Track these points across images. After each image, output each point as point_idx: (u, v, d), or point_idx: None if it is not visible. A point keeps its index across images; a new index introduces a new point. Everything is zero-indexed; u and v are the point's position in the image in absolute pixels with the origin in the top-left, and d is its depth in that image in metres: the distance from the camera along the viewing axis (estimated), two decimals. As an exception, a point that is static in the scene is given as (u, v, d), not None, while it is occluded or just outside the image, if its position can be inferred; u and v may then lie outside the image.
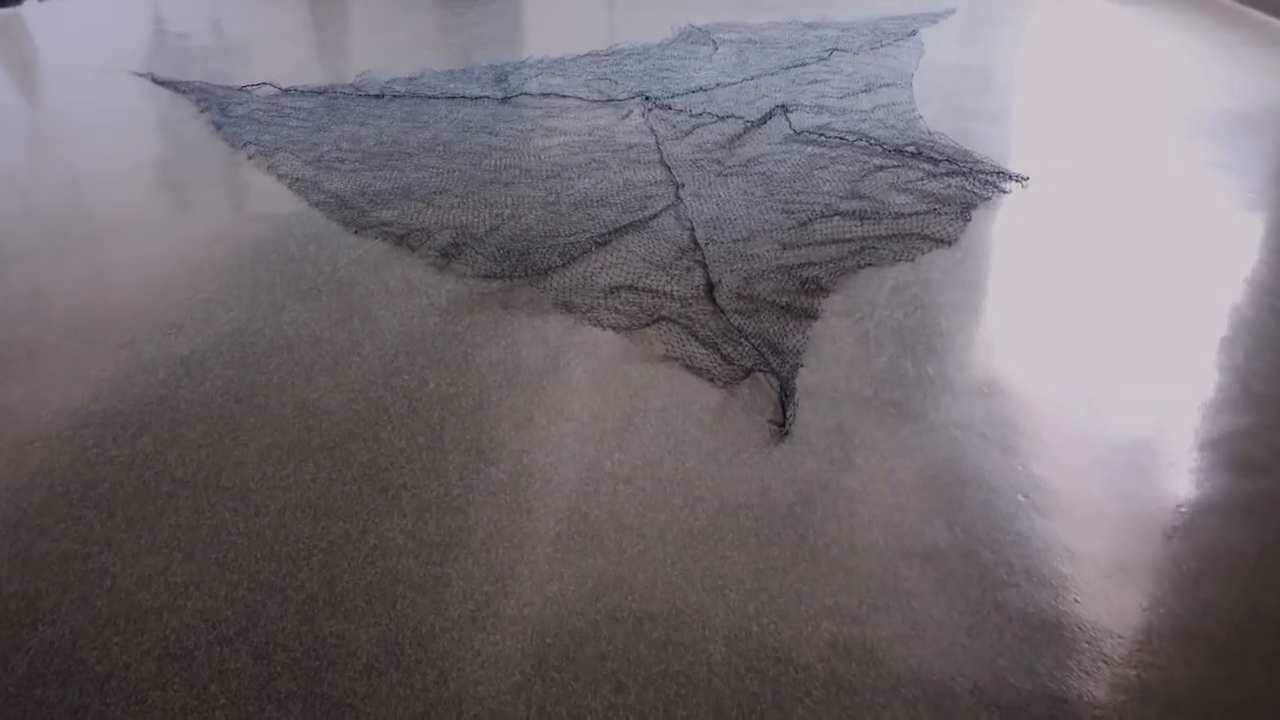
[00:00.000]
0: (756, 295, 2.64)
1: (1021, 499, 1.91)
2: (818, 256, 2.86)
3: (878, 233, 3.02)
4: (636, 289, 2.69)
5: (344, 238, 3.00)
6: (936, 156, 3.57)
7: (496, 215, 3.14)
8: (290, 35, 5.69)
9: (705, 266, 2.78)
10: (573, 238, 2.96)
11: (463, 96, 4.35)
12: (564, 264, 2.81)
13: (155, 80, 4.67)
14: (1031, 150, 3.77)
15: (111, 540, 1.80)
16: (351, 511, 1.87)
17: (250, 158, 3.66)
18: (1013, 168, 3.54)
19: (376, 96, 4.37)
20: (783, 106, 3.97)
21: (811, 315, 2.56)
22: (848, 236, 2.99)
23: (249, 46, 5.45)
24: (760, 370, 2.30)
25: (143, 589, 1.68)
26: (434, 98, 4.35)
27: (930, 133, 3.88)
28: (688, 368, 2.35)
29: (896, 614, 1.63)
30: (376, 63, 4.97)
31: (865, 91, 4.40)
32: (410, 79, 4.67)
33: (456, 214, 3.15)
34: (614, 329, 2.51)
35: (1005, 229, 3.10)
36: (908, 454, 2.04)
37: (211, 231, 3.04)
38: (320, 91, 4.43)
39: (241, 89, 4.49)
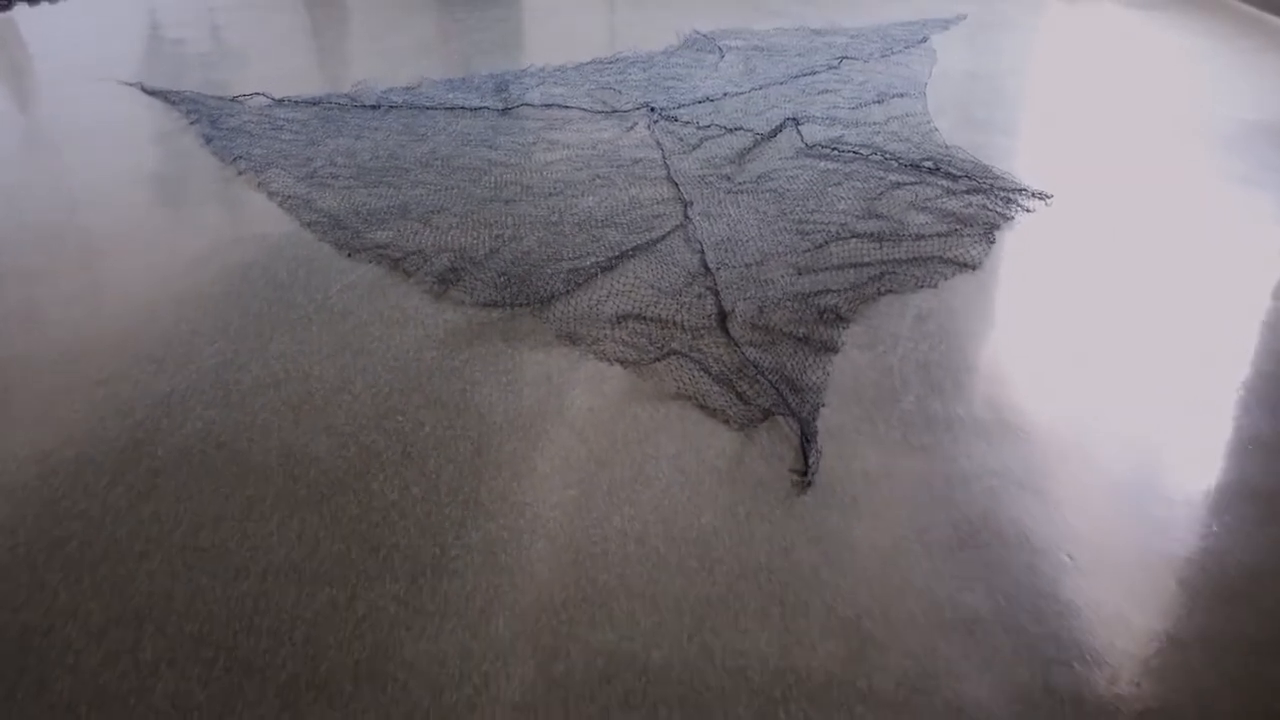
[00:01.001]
0: (772, 326, 2.47)
1: (1067, 559, 1.75)
2: (835, 282, 2.69)
3: (897, 256, 2.85)
4: (644, 318, 2.51)
5: (337, 261, 2.83)
6: (955, 172, 3.40)
7: (496, 236, 2.96)
8: (289, 40, 5.53)
9: (717, 294, 2.61)
10: (577, 262, 2.79)
11: (462, 107, 4.17)
12: (567, 291, 2.63)
13: (145, 90, 4.47)
14: (1051, 165, 3.60)
15: (78, 610, 1.64)
16: (339, 575, 1.70)
17: (241, 173, 3.49)
18: (1032, 183, 3.39)
19: (373, 107, 4.20)
20: (793, 119, 3.80)
21: (831, 348, 2.39)
22: (866, 260, 2.81)
23: (246, 52, 5.29)
24: (779, 413, 2.11)
25: (108, 668, 1.51)
26: (432, 108, 4.18)
27: (947, 146, 3.70)
28: (701, 407, 2.18)
29: (938, 699, 1.47)
30: (375, 69, 4.81)
31: (878, 102, 4.23)
32: (408, 89, 4.49)
33: (455, 235, 2.98)
34: (621, 363, 2.33)
35: (1031, 251, 2.93)
36: (942, 507, 1.87)
37: (198, 255, 2.86)
38: (315, 102, 4.26)
39: (233, 99, 4.32)
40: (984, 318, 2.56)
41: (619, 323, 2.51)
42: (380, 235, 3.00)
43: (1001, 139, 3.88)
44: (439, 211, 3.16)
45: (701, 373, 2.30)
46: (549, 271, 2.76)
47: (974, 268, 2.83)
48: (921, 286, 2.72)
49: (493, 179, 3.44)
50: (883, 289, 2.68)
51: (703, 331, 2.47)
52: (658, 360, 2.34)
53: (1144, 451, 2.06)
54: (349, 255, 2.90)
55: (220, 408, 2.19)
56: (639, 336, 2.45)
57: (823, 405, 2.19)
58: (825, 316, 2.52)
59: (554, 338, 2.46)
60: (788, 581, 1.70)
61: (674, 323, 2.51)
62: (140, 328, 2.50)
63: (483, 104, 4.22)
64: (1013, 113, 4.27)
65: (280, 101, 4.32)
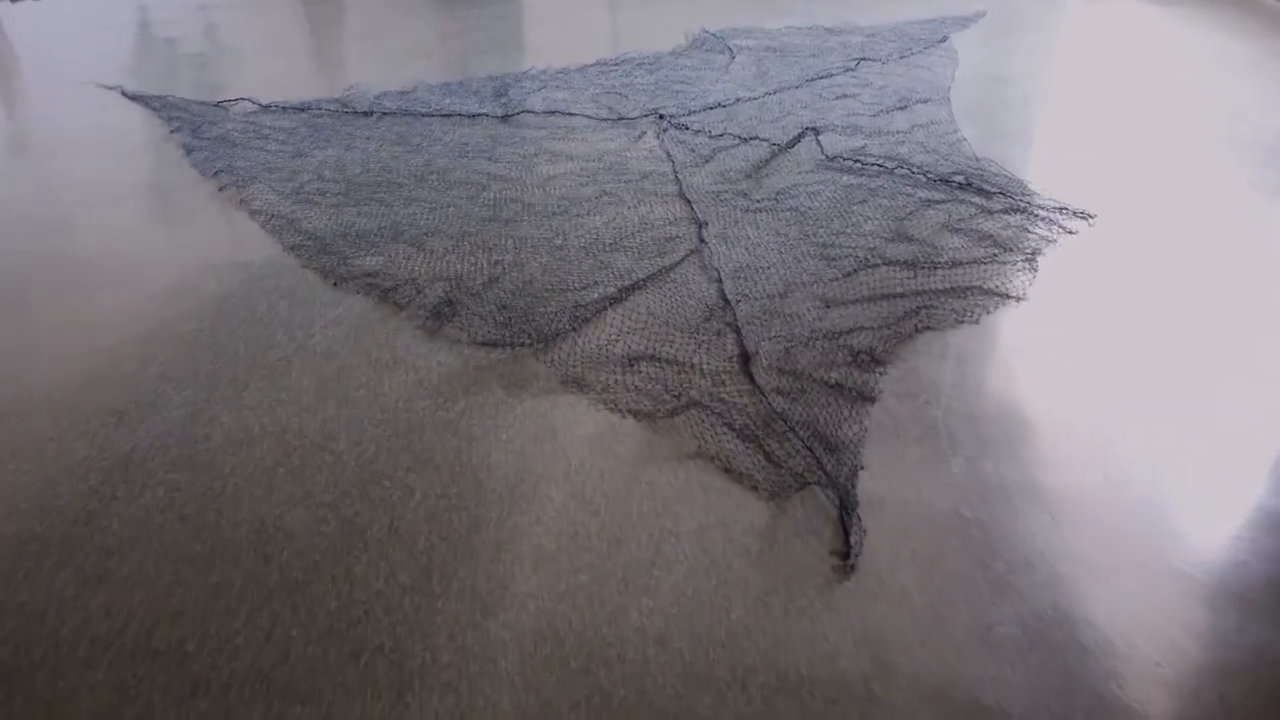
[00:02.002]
0: (800, 370, 2.20)
1: (1159, 667, 1.46)
2: (868, 318, 2.42)
3: (933, 286, 2.57)
4: (659, 360, 2.24)
5: (321, 292, 2.55)
6: (989, 188, 3.13)
7: (496, 263, 2.69)
8: (283, 40, 5.25)
9: (738, 331, 2.34)
10: (583, 293, 2.52)
11: (459, 114, 3.88)
12: (573, 328, 2.36)
13: (125, 94, 4.17)
14: (1085, 178, 3.34)
15: (4, 739, 1.36)
16: (314, 688, 1.44)
17: (221, 189, 3.21)
18: (1068, 199, 3.10)
19: (365, 114, 3.91)
20: (813, 128, 3.50)
21: (868, 397, 2.11)
22: (899, 290, 2.54)
23: (240, 53, 5.02)
24: (816, 484, 1.84)
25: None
26: (428, 115, 3.89)
27: (977, 158, 3.42)
28: (726, 470, 1.90)
29: None
30: (369, 71, 4.53)
31: (900, 108, 3.95)
32: (403, 93, 4.21)
33: (450, 261, 2.71)
34: (635, 415, 2.07)
35: (1077, 280, 2.67)
36: (1006, 598, 1.60)
37: (171, 286, 2.59)
38: (303, 108, 3.97)
39: (218, 105, 4.02)
40: (1034, 360, 2.31)
41: (631, 365, 2.24)
42: (369, 261, 2.72)
43: (1031, 150, 3.62)
44: (434, 233, 2.88)
45: (724, 427, 2.03)
46: (553, 305, 2.49)
47: (1018, 300, 2.54)
48: (962, 322, 2.45)
49: (492, 195, 3.16)
50: (920, 325, 2.41)
51: (724, 376, 2.19)
52: (675, 414, 2.05)
53: (1232, 529, 1.80)
54: (335, 285, 2.62)
55: (187, 469, 1.91)
56: (653, 382, 2.18)
57: (861, 468, 1.90)
58: (859, 359, 2.25)
59: (559, 384, 2.18)
60: (834, 698, 1.44)
61: (691, 365, 2.24)
62: (103, 372, 2.23)
63: (481, 110, 3.94)
64: (1040, 120, 3.99)
65: (267, 107, 4.04)
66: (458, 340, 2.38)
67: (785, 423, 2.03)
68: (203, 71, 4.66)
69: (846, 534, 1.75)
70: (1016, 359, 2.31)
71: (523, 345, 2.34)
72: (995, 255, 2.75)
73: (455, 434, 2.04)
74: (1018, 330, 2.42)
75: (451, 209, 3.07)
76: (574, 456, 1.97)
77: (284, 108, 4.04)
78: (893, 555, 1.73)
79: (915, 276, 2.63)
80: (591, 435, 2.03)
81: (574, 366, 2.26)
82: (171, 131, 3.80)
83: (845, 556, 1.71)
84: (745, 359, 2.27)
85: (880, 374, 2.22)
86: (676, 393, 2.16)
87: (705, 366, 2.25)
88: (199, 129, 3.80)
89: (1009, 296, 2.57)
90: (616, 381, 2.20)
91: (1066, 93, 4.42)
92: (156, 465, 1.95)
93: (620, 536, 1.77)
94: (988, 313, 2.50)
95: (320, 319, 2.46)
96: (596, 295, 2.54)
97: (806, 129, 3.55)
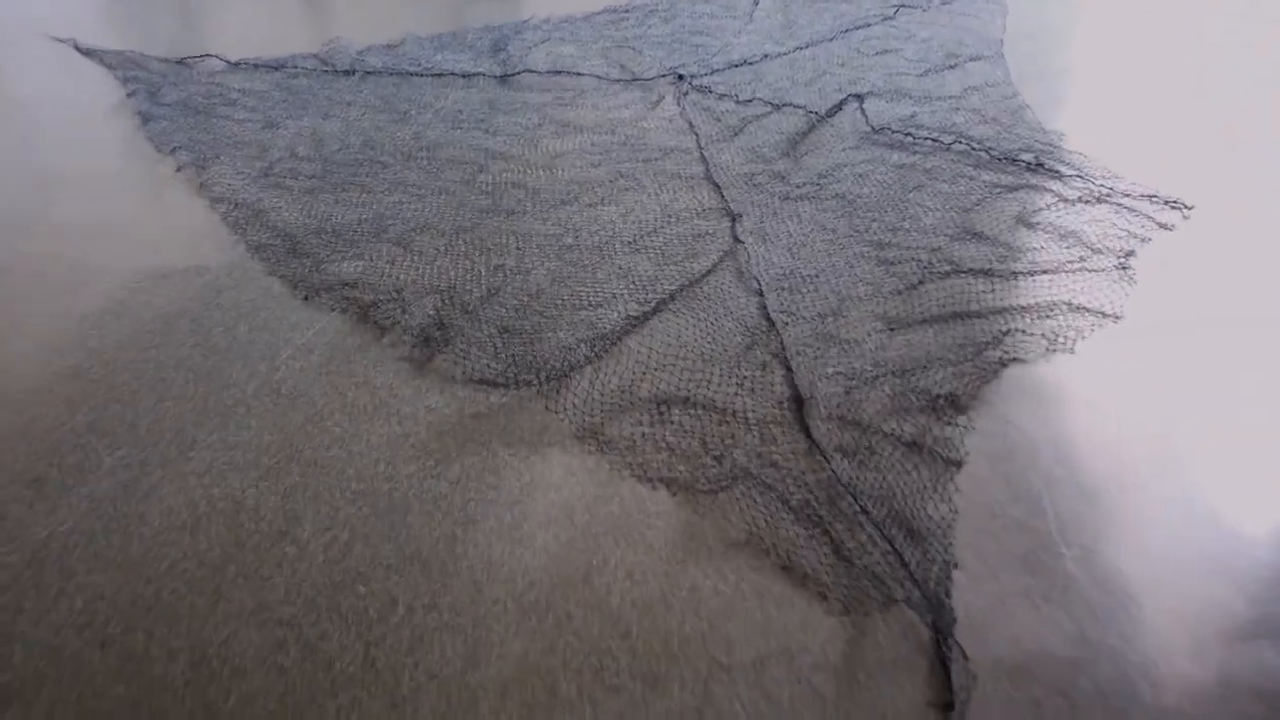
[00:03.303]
0: (866, 420, 1.77)
1: None
2: (941, 346, 2.00)
3: (1015, 301, 2.11)
4: (694, 405, 1.81)
5: (289, 309, 2.10)
6: (1063, 170, 2.63)
7: (496, 268, 2.23)
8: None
9: (788, 365, 1.88)
10: (600, 311, 2.09)
11: (453, 73, 3.35)
12: (589, 360, 1.90)
13: (79, 49, 3.63)
14: (1169, 158, 2.86)
15: None
16: None
17: (179, 169, 2.72)
18: (1154, 183, 2.60)
19: (346, 73, 3.39)
20: (856, 95, 2.98)
21: (953, 461, 1.66)
22: (975, 308, 2.09)
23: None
24: (901, 598, 1.43)
25: None
26: (417, 74, 3.37)
27: (1045, 130, 2.91)
28: (784, 569, 1.46)
29: None
30: (352, 21, 3.99)
31: (950, 67, 3.44)
32: (389, 47, 3.68)
33: (442, 266, 2.27)
34: (668, 485, 1.63)
35: (1184, 289, 2.24)
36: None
37: (109, 303, 2.15)
38: (277, 66, 3.45)
39: (180, 62, 3.48)
40: (1149, 408, 1.90)
41: (660, 413, 1.80)
42: (347, 267, 2.25)
43: (1099, 118, 3.11)
44: (423, 228, 2.41)
45: (779, 504, 1.60)
46: (564, 328, 2.06)
47: (1116, 319, 2.07)
48: (1054, 350, 1.98)
49: (490, 178, 2.68)
50: (1005, 358, 1.94)
51: (774, 428, 1.76)
52: (718, 490, 1.61)
53: None
54: (306, 298, 2.17)
55: (113, 569, 1.50)
56: (688, 436, 1.74)
57: (955, 565, 1.47)
58: (937, 405, 1.79)
59: (573, 438, 1.73)
60: None
61: (734, 413, 1.80)
62: (17, 423, 1.79)
63: (477, 69, 3.42)
64: (1107, 82, 3.47)
65: (236, 65, 3.52)
66: (450, 376, 1.93)
67: (853, 498, 1.60)
68: (167, 19, 4.08)
69: (946, 673, 1.31)
70: (1128, 407, 1.87)
71: (528, 385, 1.87)
72: (1083, 259, 2.28)
73: (448, 514, 1.60)
74: (1121, 360, 2.00)
75: (444, 196, 2.59)
76: (596, 548, 1.54)
77: (255, 65, 3.53)
78: (1009, 706, 1.30)
79: (993, 289, 2.16)
80: (617, 517, 1.59)
81: (591, 415, 1.81)
82: (127, 95, 3.28)
83: (948, 709, 1.28)
84: (799, 404, 1.81)
85: (965, 428, 1.75)
86: (718, 453, 1.72)
87: (751, 414, 1.81)
88: (158, 92, 3.29)
89: (1105, 315, 2.09)
90: (644, 436, 1.76)
91: (1134, 48, 3.87)
92: (77, 561, 1.52)
93: (658, 674, 1.35)
94: (1082, 337, 2.05)
95: (287, 347, 2.00)
96: (615, 315, 2.08)
97: (849, 96, 3.04)
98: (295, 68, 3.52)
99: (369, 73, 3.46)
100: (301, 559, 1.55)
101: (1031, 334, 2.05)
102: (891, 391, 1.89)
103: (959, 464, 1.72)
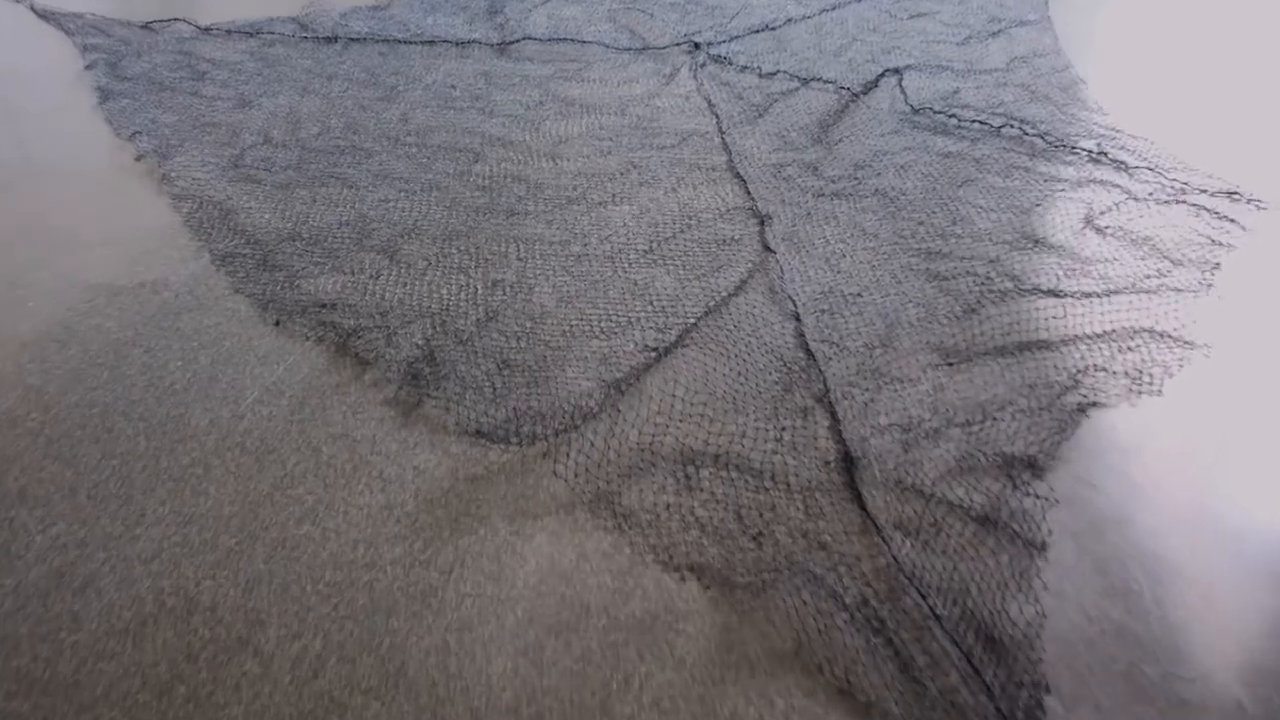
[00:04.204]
0: (928, 487, 1.46)
1: None
2: (1008, 386, 1.72)
3: (1090, 328, 1.81)
4: (725, 465, 1.51)
5: (258, 336, 1.79)
6: (1129, 161, 2.28)
7: (494, 284, 1.92)
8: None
9: (833, 412, 1.56)
10: (614, 340, 1.80)
11: (445, 41, 2.98)
12: (601, 408, 1.60)
13: (35, 10, 3.24)
14: (1232, 145, 2.46)
15: None
16: None
17: (139, 158, 2.38)
18: (1223, 174, 2.27)
19: (328, 40, 3.00)
20: (894, 70, 2.62)
21: (1035, 543, 1.36)
22: (1044, 337, 1.77)
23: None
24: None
25: None
26: (406, 42, 2.99)
27: (1104, 111, 2.56)
28: (842, 691, 1.17)
29: None
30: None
31: (993, 34, 3.03)
32: (375, 8, 3.30)
33: (433, 280, 1.97)
34: (698, 575, 1.33)
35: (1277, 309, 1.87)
36: None
37: (53, 327, 1.85)
38: (252, 32, 3.07)
39: (145, 26, 3.09)
40: (1262, 460, 1.54)
41: (687, 476, 1.51)
42: (325, 284, 1.94)
43: (1159, 97, 2.73)
44: (411, 233, 2.10)
45: (831, 602, 1.30)
46: (574, 362, 1.78)
47: (1207, 350, 1.76)
48: (1136, 390, 1.66)
49: (487, 169, 2.34)
50: (1085, 403, 1.62)
51: (819, 496, 1.46)
52: (759, 587, 1.32)
53: None
54: (277, 323, 1.84)
55: (37, 693, 1.23)
56: (719, 507, 1.46)
57: (1047, 690, 1.18)
58: (1012, 468, 1.48)
59: (586, 508, 1.43)
60: None
61: (773, 477, 1.50)
62: (-62, 490, 1.48)
63: (471, 36, 3.05)
64: (1167, 53, 3.08)
65: (207, 30, 3.12)
66: (442, 426, 1.62)
67: (920, 595, 1.29)
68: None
69: None
70: (1228, 455, 1.55)
71: (532, 441, 1.56)
72: (1162, 274, 1.95)
73: (440, 616, 1.31)
74: (1221, 405, 1.68)
75: (435, 193, 2.25)
76: (616, 662, 1.27)
77: (228, 32, 3.14)
78: None
79: (1064, 313, 1.84)
80: (640, 620, 1.30)
81: (605, 479, 1.51)
82: (86, 67, 2.90)
83: None
84: (848, 464, 1.50)
85: (1047, 500, 1.45)
86: (756, 531, 1.42)
87: (793, 478, 1.50)
88: (119, 63, 2.91)
89: (1194, 346, 1.77)
90: (668, 509, 1.46)
91: (1194, 11, 3.46)
92: (-6, 682, 1.22)
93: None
94: (1169, 374, 1.72)
95: (254, 385, 1.69)
96: (632, 345, 1.77)
97: (886, 71, 2.67)
98: (272, 34, 3.14)
99: (353, 40, 3.09)
100: (264, 678, 1.25)
101: (1113, 372, 1.72)
102: (956, 447, 1.57)
103: (1042, 547, 1.41)
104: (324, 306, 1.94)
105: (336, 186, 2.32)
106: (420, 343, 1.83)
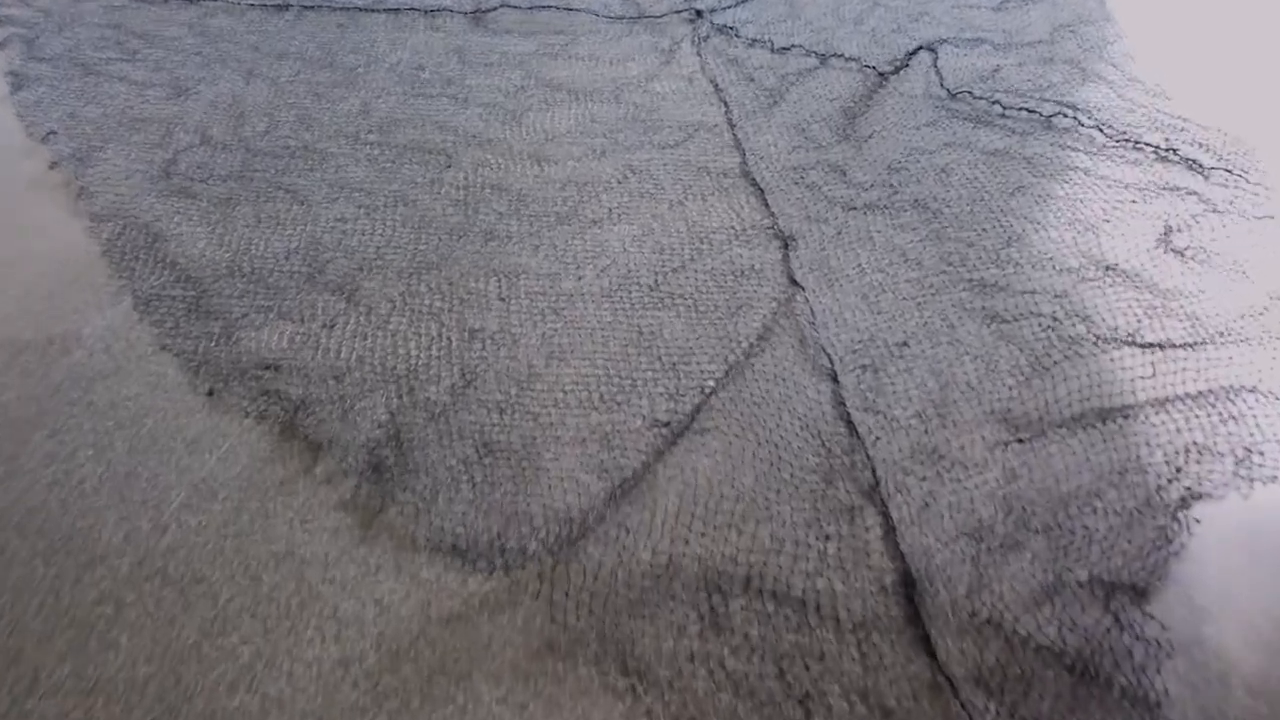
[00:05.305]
0: (1009, 623, 1.14)
1: None
2: (1092, 471, 1.44)
3: (1183, 388, 1.44)
4: (759, 593, 1.17)
5: (187, 411, 1.45)
6: (1203, 160, 1.91)
7: (472, 334, 1.60)
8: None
9: (885, 513, 1.22)
10: (618, 412, 1.47)
11: (412, 9, 2.55)
12: (607, 507, 1.26)
13: None
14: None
15: None
16: None
17: (53, 166, 1.98)
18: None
19: (278, 8, 2.55)
20: (928, 48, 2.22)
21: (1145, 701, 1.04)
22: (1129, 401, 1.42)
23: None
24: None
25: None
26: (368, 10, 2.54)
27: (1166, 96, 2.18)
28: None
29: None
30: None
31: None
32: (332, -33, 2.81)
33: (399, 330, 1.65)
34: None
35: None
36: None
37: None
38: (191, -1, 2.60)
39: None
40: None
41: (712, 610, 1.20)
42: (269, 336, 1.59)
43: (1217, 76, 2.35)
44: (373, 265, 1.74)
45: None
46: (569, 444, 1.49)
47: None
48: (1249, 477, 1.32)
49: (462, 176, 1.97)
50: (1189, 495, 1.28)
51: (878, 638, 1.15)
52: None
53: None
54: (211, 393, 1.46)
55: None
56: (755, 655, 1.17)
57: None
58: (1110, 595, 1.15)
59: (591, 663, 1.09)
60: None
61: (817, 608, 1.19)
62: None
63: (442, 2, 2.58)
64: (1218, 19, 2.66)
65: None
66: (410, 538, 1.26)
67: None
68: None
69: None
70: None
71: (522, 563, 1.21)
72: (1262, 311, 1.58)
73: None
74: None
75: (401, 209, 1.87)
76: None
77: (163, -1, 2.66)
78: None
79: (1153, 370, 1.48)
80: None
81: (613, 615, 1.19)
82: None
83: None
84: (910, 589, 1.16)
85: (1160, 646, 1.12)
86: (803, 692, 1.11)
87: (843, 611, 1.18)
88: (38, 39, 2.48)
89: None
90: (692, 658, 1.14)
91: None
92: None
93: None
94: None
95: (181, 483, 1.34)
96: (639, 421, 1.42)
97: (919, 48, 2.27)
98: (215, 1, 2.66)
99: (306, 7, 2.62)
100: None
101: (1216, 452, 1.38)
102: (1040, 567, 1.24)
103: (1157, 708, 1.08)
104: (267, 369, 1.56)
105: (285, 202, 1.92)
106: (383, 419, 1.47)
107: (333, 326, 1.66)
